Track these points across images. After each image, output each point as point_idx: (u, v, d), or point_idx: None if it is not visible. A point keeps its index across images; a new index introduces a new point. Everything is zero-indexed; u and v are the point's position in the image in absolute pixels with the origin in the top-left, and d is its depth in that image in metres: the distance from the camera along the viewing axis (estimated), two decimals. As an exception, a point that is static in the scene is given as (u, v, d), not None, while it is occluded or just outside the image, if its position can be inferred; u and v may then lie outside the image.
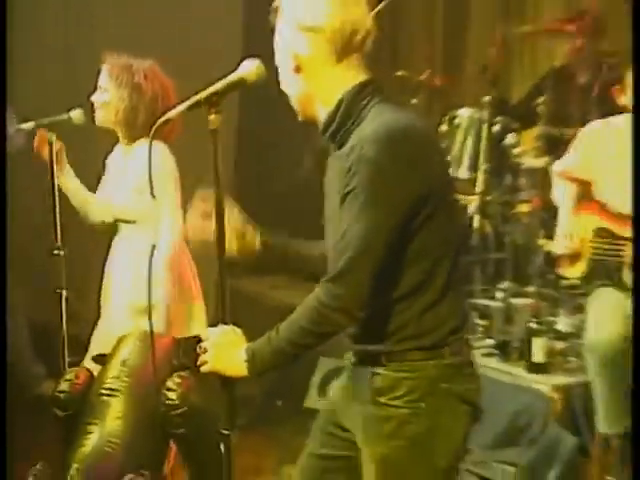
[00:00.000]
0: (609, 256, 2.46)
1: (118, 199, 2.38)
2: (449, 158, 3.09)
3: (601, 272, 2.51)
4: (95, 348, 2.42)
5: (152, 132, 1.29)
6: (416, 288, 1.32)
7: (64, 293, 2.35)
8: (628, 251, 2.43)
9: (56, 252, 2.36)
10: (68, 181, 2.41)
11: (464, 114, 3.15)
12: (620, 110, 2.50)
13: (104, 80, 2.32)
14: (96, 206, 2.44)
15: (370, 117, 1.27)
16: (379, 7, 1.53)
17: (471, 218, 3.02)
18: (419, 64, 3.91)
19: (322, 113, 1.32)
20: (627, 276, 2.46)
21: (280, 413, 3.10)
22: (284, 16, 1.32)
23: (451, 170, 3.01)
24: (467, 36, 4.24)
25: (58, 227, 2.39)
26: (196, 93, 1.29)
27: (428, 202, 1.25)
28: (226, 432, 1.34)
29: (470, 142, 3.10)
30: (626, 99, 2.47)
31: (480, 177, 3.03)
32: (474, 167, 3.06)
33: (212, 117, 1.29)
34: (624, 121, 2.48)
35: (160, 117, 1.62)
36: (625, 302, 2.45)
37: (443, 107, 3.49)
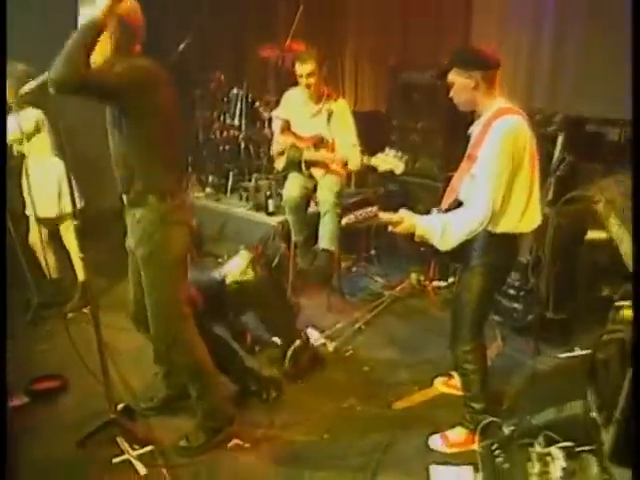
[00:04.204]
0: (294, 155, 3.48)
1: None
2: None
3: (291, 165, 3.55)
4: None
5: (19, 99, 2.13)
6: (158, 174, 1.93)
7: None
8: (305, 155, 3.41)
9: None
10: None
11: (234, 92, 4.59)
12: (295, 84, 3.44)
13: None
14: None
15: None
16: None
17: (240, 144, 4.59)
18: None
19: None
20: (302, 165, 3.41)
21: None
22: None
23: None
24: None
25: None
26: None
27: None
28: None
29: (239, 107, 4.54)
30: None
31: (243, 123, 4.54)
32: (240, 118, 4.55)
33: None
34: (299, 89, 3.45)
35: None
36: (299, 178, 3.48)
37: (223, 95, 4.78)
